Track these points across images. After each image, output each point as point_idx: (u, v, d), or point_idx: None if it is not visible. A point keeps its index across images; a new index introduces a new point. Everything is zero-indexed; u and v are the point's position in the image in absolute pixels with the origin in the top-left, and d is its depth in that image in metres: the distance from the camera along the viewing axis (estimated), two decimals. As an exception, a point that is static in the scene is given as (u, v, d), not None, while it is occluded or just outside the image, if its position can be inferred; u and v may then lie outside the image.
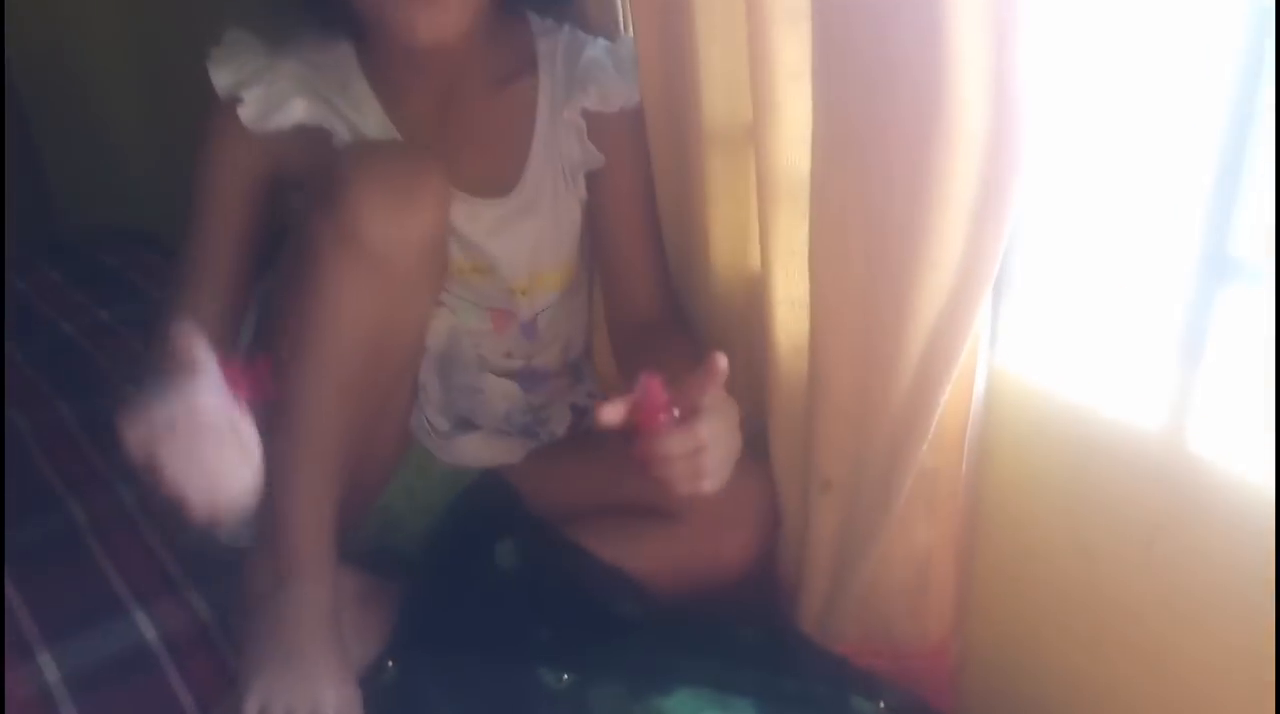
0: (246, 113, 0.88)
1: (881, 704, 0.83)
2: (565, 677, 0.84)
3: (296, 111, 0.88)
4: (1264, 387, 0.63)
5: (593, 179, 0.96)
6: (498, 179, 0.93)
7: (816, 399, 0.81)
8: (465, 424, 1.00)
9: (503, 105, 0.94)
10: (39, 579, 1.04)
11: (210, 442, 0.68)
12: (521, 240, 0.94)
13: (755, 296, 0.87)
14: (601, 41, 0.96)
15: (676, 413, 0.74)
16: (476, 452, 1.00)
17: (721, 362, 0.74)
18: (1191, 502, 0.68)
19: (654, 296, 0.99)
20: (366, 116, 0.91)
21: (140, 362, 0.88)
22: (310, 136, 0.89)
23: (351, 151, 0.87)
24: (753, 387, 0.93)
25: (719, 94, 0.84)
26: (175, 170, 1.94)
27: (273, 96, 0.88)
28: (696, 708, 0.79)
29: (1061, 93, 0.67)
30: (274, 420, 0.83)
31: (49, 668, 0.94)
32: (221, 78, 0.88)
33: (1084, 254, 0.76)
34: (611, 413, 0.73)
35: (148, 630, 0.98)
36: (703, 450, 0.75)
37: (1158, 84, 0.67)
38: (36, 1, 1.80)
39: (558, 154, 0.94)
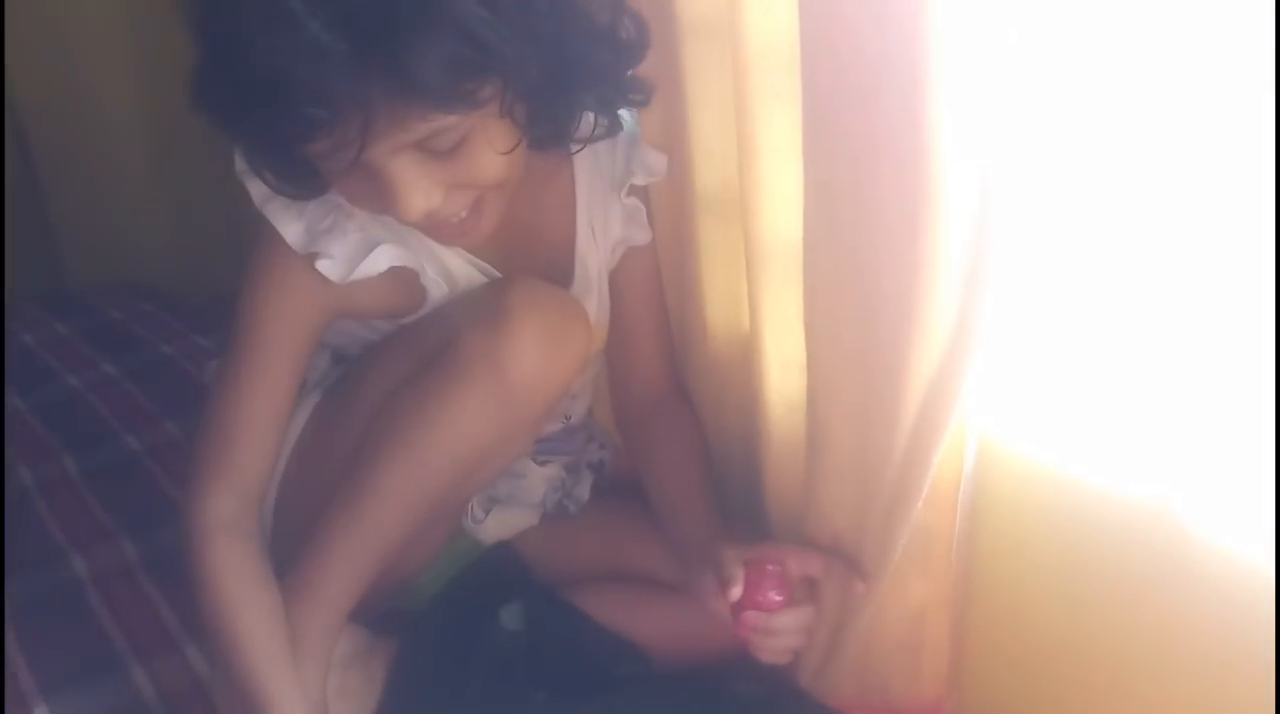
0: (332, 268, 0.82)
1: (876, 762, 0.84)
2: (561, 733, 0.85)
3: (383, 259, 0.83)
4: (1252, 454, 0.64)
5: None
6: (555, 273, 0.92)
7: (817, 458, 0.82)
8: (493, 501, 1.02)
9: (548, 197, 0.93)
10: (39, 632, 1.04)
11: None
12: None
13: (749, 357, 0.89)
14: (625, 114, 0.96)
15: (781, 597, 0.80)
16: (502, 526, 1.01)
17: (860, 587, 0.82)
18: (1178, 562, 0.69)
19: (661, 372, 1.01)
20: (433, 246, 0.87)
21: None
22: (388, 277, 0.85)
23: (517, 286, 0.84)
24: (748, 443, 0.95)
25: (711, 164, 0.86)
26: (180, 226, 1.98)
27: (355, 247, 0.83)
28: (692, 764, 0.80)
29: (1046, 160, 0.69)
30: (341, 494, 0.85)
31: (47, 721, 0.95)
32: (292, 232, 0.82)
33: (1072, 320, 0.78)
34: (736, 592, 0.79)
35: (145, 686, 0.98)
36: (807, 630, 0.83)
37: (1141, 151, 0.69)
38: (44, 55, 1.81)
39: (599, 231, 0.94)
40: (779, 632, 0.81)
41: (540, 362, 0.81)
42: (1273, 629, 0.63)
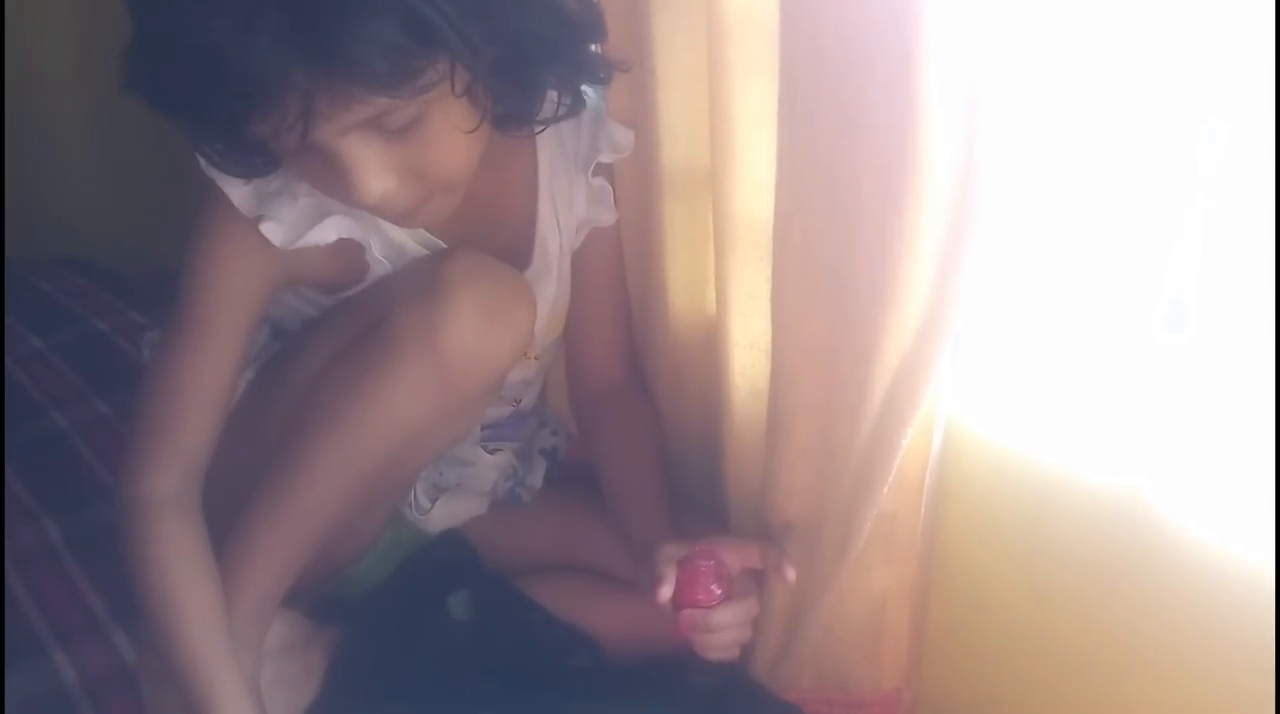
0: (276, 233, 0.79)
1: (834, 754, 0.83)
2: (512, 724, 0.82)
3: (331, 229, 0.81)
4: (1221, 438, 0.64)
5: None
6: (513, 253, 0.89)
7: (778, 441, 0.80)
8: (441, 490, 0.99)
9: (508, 175, 0.90)
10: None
11: None
12: (542, 308, 0.91)
13: (712, 340, 0.87)
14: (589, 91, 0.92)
15: (719, 591, 0.80)
16: (449, 515, 0.98)
17: (790, 574, 0.81)
18: (1149, 552, 0.69)
19: (619, 358, 0.99)
20: (383, 222, 0.84)
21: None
22: (333, 247, 0.82)
23: (457, 259, 0.81)
24: (708, 428, 0.93)
25: (679, 140, 0.84)
26: (116, 200, 1.92)
27: (302, 213, 0.80)
28: (647, 757, 0.78)
29: (1027, 143, 0.68)
30: (271, 472, 0.82)
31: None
32: (238, 194, 0.79)
33: (1042, 305, 0.77)
34: (665, 592, 0.78)
35: (67, 672, 0.94)
36: (749, 624, 0.82)
37: (1121, 138, 0.69)
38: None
39: (561, 211, 0.91)
40: (718, 628, 0.80)
41: (478, 337, 0.79)
42: (1250, 623, 0.63)
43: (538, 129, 0.83)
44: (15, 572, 1.05)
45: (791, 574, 0.80)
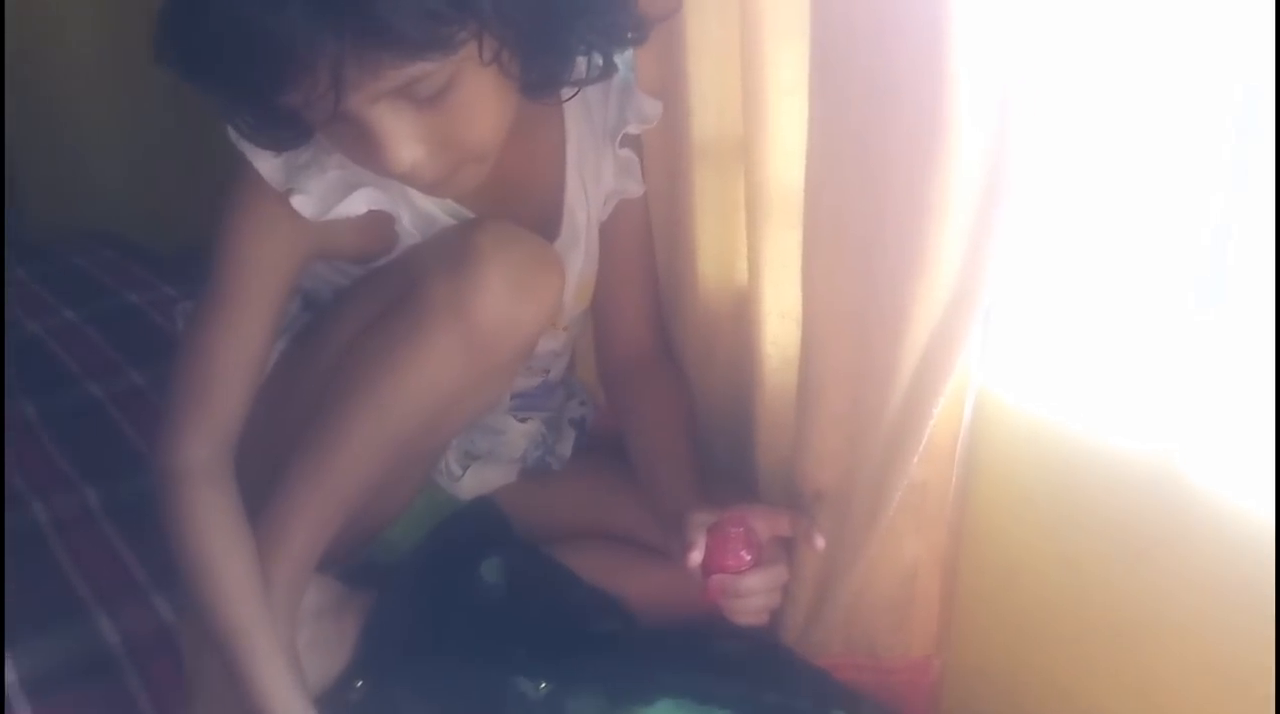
0: (306, 205, 0.80)
1: (862, 719, 0.84)
2: (543, 685, 0.83)
3: (361, 201, 0.81)
4: (1254, 406, 0.64)
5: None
6: (542, 224, 0.89)
7: (809, 409, 0.81)
8: (472, 458, 1.00)
9: (536, 147, 0.90)
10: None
11: None
12: (570, 278, 0.91)
13: (742, 309, 0.87)
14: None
15: (748, 557, 0.80)
16: (480, 482, 1.00)
17: (819, 542, 0.81)
18: (1181, 521, 0.69)
19: (647, 330, 0.99)
20: (414, 193, 0.84)
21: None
22: (364, 219, 0.83)
23: (486, 229, 0.81)
24: (737, 397, 0.94)
25: (709, 110, 0.84)
26: (142, 174, 1.94)
27: (332, 185, 0.81)
28: (677, 720, 0.79)
29: (1060, 112, 0.68)
30: (306, 440, 0.83)
31: (6, 668, 0.92)
32: (268, 167, 0.80)
33: (1073, 274, 0.77)
34: (696, 558, 0.79)
35: (110, 634, 0.97)
36: (778, 589, 0.83)
37: (1154, 106, 0.68)
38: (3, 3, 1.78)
39: (589, 182, 0.92)
40: (746, 593, 0.81)
41: (507, 306, 0.79)
42: (1273, 589, 0.63)
43: (567, 95, 0.83)
44: (57, 537, 1.08)
45: (820, 542, 0.80)
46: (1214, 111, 0.64)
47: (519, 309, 0.80)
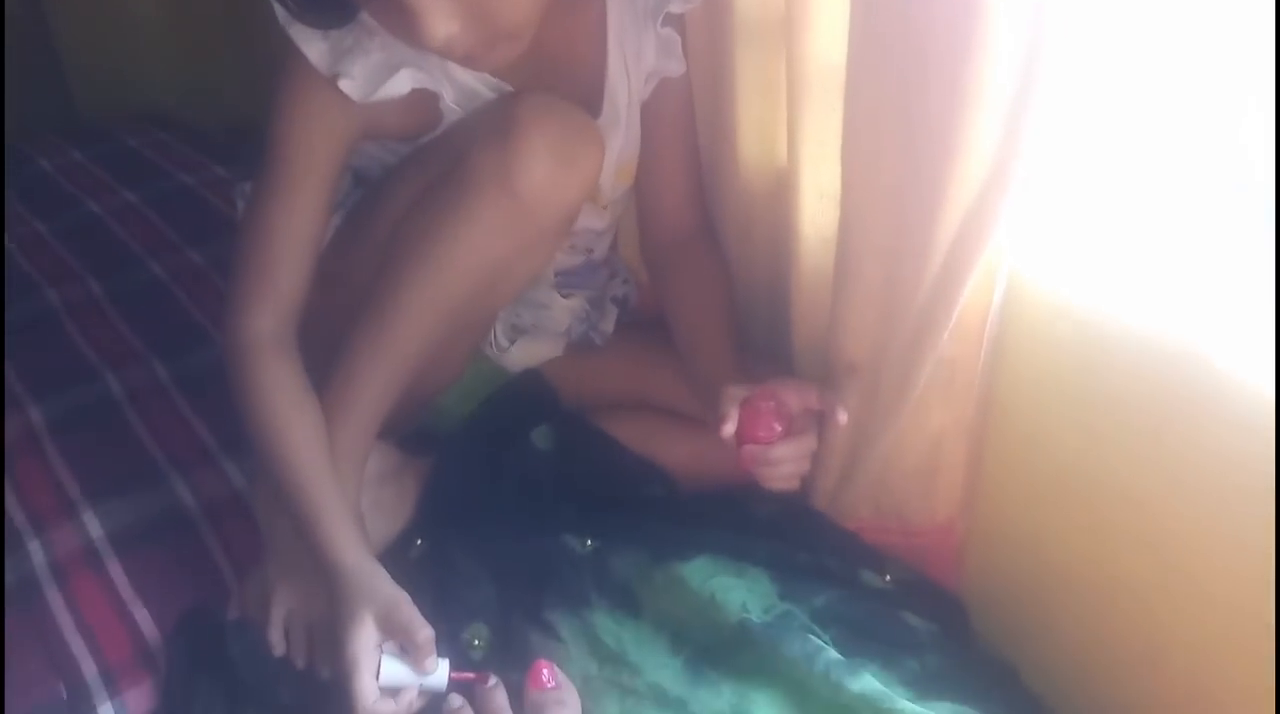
0: (354, 88, 0.82)
1: (888, 578, 0.88)
2: (589, 543, 0.89)
3: (404, 81, 0.83)
4: (1269, 288, 0.65)
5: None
6: (584, 102, 0.91)
7: (844, 286, 0.83)
8: (519, 331, 1.04)
9: (578, 26, 0.91)
10: (80, 446, 1.08)
11: None
12: (610, 157, 0.93)
13: (781, 189, 0.89)
14: None
15: (779, 429, 0.84)
16: (528, 355, 1.03)
17: (843, 417, 0.84)
18: (1199, 397, 0.71)
19: (689, 209, 1.01)
20: (455, 70, 0.87)
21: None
22: (409, 98, 0.85)
23: (527, 101, 0.84)
24: (775, 275, 0.96)
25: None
26: (190, 56, 1.94)
27: (376, 67, 0.83)
28: (713, 574, 0.83)
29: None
30: (364, 312, 0.87)
31: (92, 524, 0.99)
32: (315, 52, 0.82)
33: (1104, 159, 0.78)
34: (729, 429, 0.83)
35: (186, 496, 1.03)
36: (807, 458, 0.86)
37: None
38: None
39: (630, 61, 0.93)
40: (776, 462, 0.85)
41: (550, 173, 0.82)
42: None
43: None
44: (132, 408, 1.13)
45: (843, 417, 0.84)
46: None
47: (561, 176, 0.83)
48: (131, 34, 1.94)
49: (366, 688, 0.73)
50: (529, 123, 0.81)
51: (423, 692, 0.75)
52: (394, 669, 0.74)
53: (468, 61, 0.82)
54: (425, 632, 0.74)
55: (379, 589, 0.77)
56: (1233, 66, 0.67)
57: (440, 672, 0.75)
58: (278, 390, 0.86)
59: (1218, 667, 0.76)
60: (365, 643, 0.74)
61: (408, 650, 0.74)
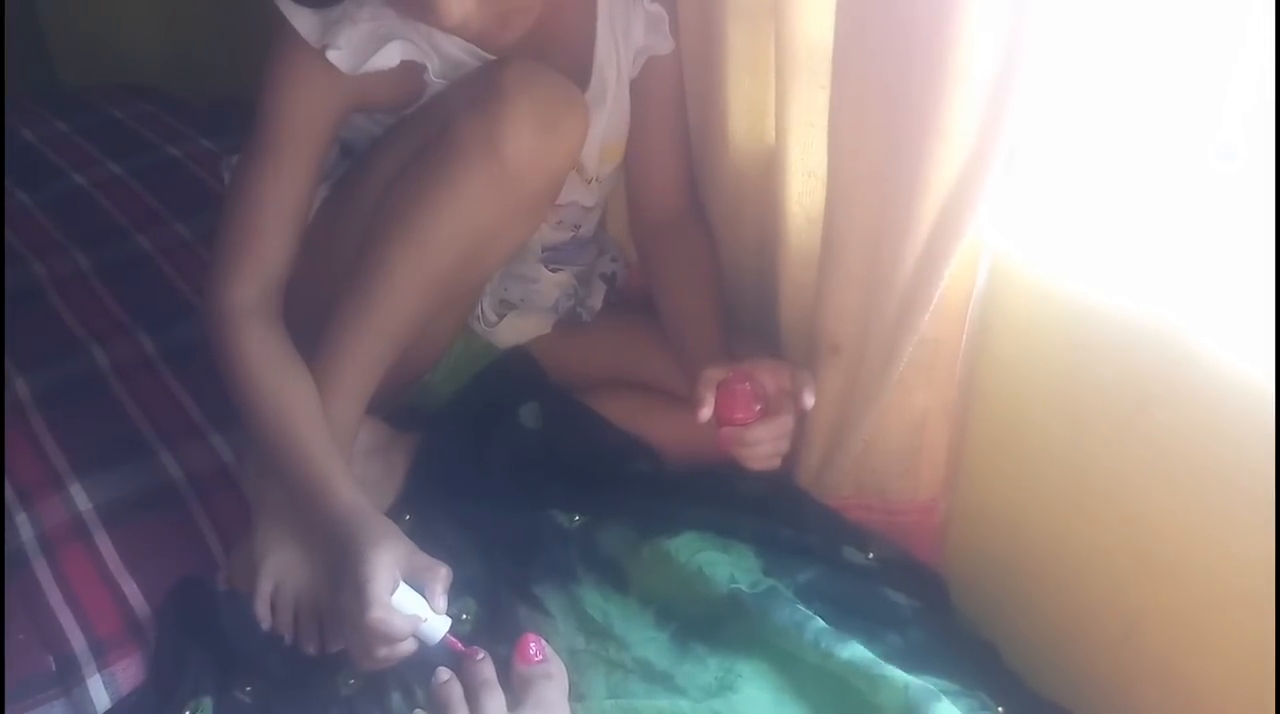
0: (342, 59, 0.83)
1: (870, 555, 0.89)
2: (577, 519, 0.89)
3: (394, 53, 0.84)
4: (1253, 268, 0.66)
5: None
6: (572, 76, 0.90)
7: (829, 267, 0.84)
8: (508, 306, 1.04)
9: (568, 2, 0.91)
10: (66, 419, 1.08)
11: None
12: (597, 130, 0.94)
13: (769, 168, 0.89)
14: None
15: (756, 409, 0.85)
16: (516, 331, 1.04)
17: (809, 400, 0.85)
18: (1179, 380, 0.72)
19: (678, 187, 1.02)
20: (442, 41, 0.87)
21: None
22: (396, 69, 0.86)
23: (511, 68, 0.84)
24: (762, 254, 0.97)
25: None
26: (173, 26, 1.92)
27: (364, 39, 0.84)
28: (699, 549, 0.84)
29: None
30: (351, 283, 0.87)
31: (79, 497, 0.99)
32: (304, 24, 0.83)
33: (1080, 138, 0.78)
34: (705, 413, 0.84)
35: (173, 469, 1.03)
36: (785, 437, 0.86)
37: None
38: None
39: (619, 38, 0.93)
40: (754, 442, 0.86)
41: (535, 140, 0.82)
42: (1272, 446, 0.66)
43: None
44: (119, 382, 1.13)
45: (809, 400, 0.85)
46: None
47: (546, 142, 0.83)
48: (117, 3, 1.92)
49: (382, 595, 0.74)
50: (515, 89, 0.82)
51: (418, 637, 0.76)
52: (407, 595, 0.75)
53: (482, 39, 0.82)
54: (445, 568, 0.78)
55: (392, 529, 0.80)
56: (1217, 47, 0.68)
57: (442, 621, 0.76)
58: (263, 355, 0.86)
59: (1191, 643, 0.77)
60: (385, 562, 0.75)
61: (426, 585, 0.77)
